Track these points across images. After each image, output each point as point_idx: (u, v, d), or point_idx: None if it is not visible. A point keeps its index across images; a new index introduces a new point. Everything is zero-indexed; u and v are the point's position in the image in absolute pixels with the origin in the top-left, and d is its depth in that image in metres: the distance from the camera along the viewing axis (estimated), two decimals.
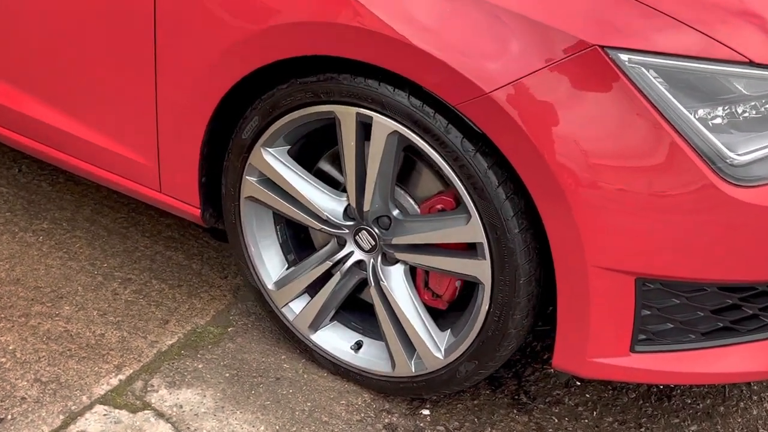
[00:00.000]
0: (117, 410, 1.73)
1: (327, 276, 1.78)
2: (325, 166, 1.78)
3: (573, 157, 1.37)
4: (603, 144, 1.38)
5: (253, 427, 1.73)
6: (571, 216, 1.39)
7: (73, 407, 1.72)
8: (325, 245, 1.81)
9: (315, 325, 1.83)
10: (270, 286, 1.84)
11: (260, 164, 1.70)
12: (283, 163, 1.69)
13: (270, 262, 1.85)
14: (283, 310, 1.85)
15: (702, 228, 1.41)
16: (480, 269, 1.55)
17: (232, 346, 1.92)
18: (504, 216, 1.47)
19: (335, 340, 1.84)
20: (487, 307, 1.57)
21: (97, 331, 1.91)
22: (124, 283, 2.07)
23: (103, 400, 1.75)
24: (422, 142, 1.49)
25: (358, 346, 1.82)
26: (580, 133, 1.37)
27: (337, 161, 1.75)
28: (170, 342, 1.91)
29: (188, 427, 1.70)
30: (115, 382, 1.79)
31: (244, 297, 2.09)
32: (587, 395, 1.88)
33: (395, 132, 1.52)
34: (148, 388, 1.78)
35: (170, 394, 1.78)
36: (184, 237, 2.26)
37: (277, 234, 1.86)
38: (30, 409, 1.70)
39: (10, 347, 1.84)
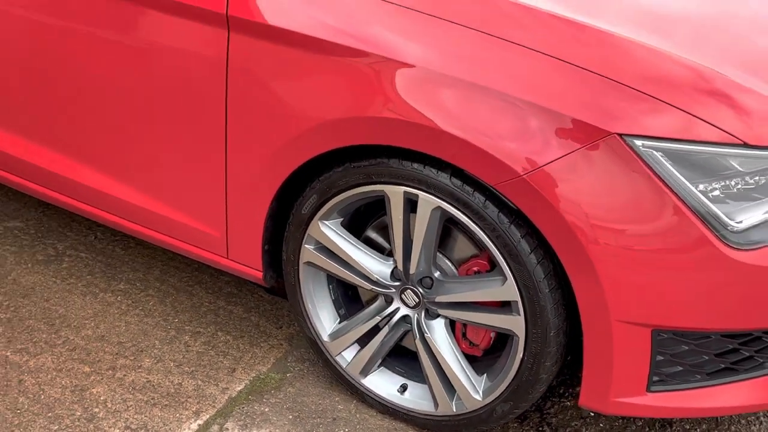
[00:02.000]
0: None
1: (375, 329, 1.78)
2: (372, 234, 1.79)
3: (598, 228, 1.39)
4: (623, 215, 1.40)
5: None
6: (596, 278, 1.41)
7: None
8: (373, 301, 1.80)
9: (365, 371, 1.82)
10: (325, 338, 1.84)
11: (317, 235, 1.72)
12: (338, 234, 1.70)
13: (324, 317, 1.85)
14: (337, 358, 1.85)
15: (708, 285, 1.43)
16: (515, 324, 1.56)
17: (292, 390, 1.91)
18: (536, 278, 1.48)
19: (383, 383, 1.83)
20: (521, 356, 1.58)
21: (175, 381, 1.89)
22: (194, 336, 2.06)
23: None
24: (463, 215, 1.51)
25: (404, 388, 1.82)
26: (603, 206, 1.39)
27: (382, 230, 1.77)
28: (239, 388, 1.89)
29: None
30: (195, 426, 1.77)
31: (297, 345, 2.08)
32: (600, 425, 1.88)
33: (438, 207, 1.54)
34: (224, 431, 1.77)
35: None
36: (242, 292, 2.25)
37: (330, 292, 1.86)
38: None
39: (102, 398, 1.82)
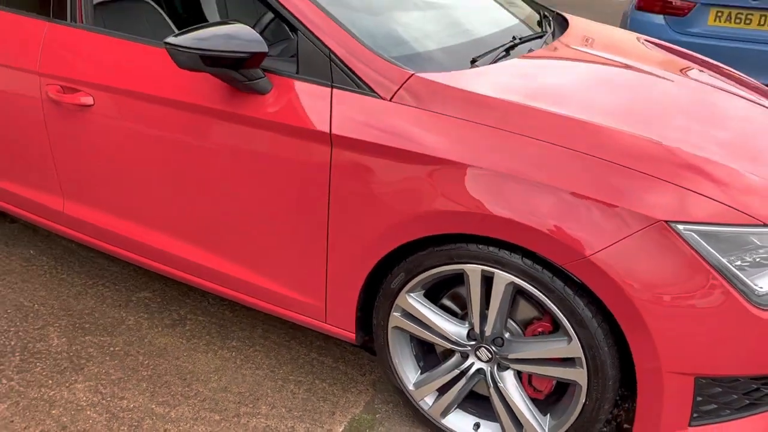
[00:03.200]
0: None
1: (453, 378, 1.66)
2: (447, 302, 1.67)
3: (651, 297, 1.32)
4: (670, 284, 1.31)
5: None
6: (650, 337, 1.34)
7: None
8: (449, 354, 1.69)
9: (444, 413, 1.71)
10: (410, 387, 1.73)
11: (404, 305, 1.63)
12: (422, 303, 1.62)
13: (408, 370, 1.74)
14: (420, 402, 1.74)
15: (740, 339, 1.35)
16: (579, 375, 1.46)
17: (383, 429, 1.79)
18: (597, 339, 1.40)
19: (459, 422, 1.72)
20: (583, 401, 1.48)
21: (289, 424, 1.77)
22: (297, 384, 1.94)
23: None
24: (533, 289, 1.44)
25: (477, 426, 1.70)
26: (653, 277, 1.31)
27: (455, 298, 1.67)
28: (340, 430, 1.77)
29: None
30: None
31: (380, 389, 1.95)
32: None
33: (512, 282, 1.45)
34: None
35: None
36: (329, 345, 2.14)
37: (411, 348, 1.75)
38: None
39: None
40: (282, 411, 1.81)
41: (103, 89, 1.85)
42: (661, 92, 1.81)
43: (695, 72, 2.09)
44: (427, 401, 1.71)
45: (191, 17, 2.95)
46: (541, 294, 1.41)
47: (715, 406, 1.41)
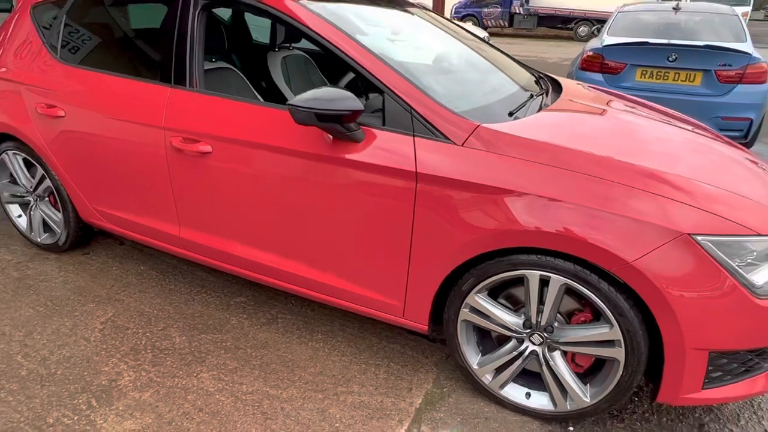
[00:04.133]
0: None
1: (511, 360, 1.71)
2: (502, 300, 1.70)
3: (678, 291, 1.39)
4: (693, 281, 1.38)
5: None
6: (677, 322, 1.42)
7: None
8: (504, 340, 1.72)
9: (503, 386, 1.77)
10: (474, 366, 1.78)
11: (473, 303, 1.68)
12: (487, 301, 1.67)
13: (472, 353, 1.79)
14: (482, 378, 1.78)
15: (743, 321, 1.42)
16: (618, 354, 1.53)
17: (451, 400, 1.82)
18: (633, 325, 1.47)
19: (514, 392, 1.77)
20: (621, 373, 1.55)
21: (378, 399, 1.80)
22: (377, 367, 1.97)
23: None
24: (583, 288, 1.50)
25: (528, 395, 1.75)
26: (680, 276, 1.38)
27: (509, 298, 1.70)
28: (419, 401, 1.80)
29: None
30: (402, 430, 1.67)
31: (443, 368, 1.98)
32: (657, 413, 1.79)
33: (564, 284, 1.51)
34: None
35: None
36: (393, 334, 2.17)
37: (474, 336, 1.79)
38: None
39: (337, 416, 1.73)
40: (370, 389, 1.84)
41: (221, 140, 1.89)
42: (646, 132, 1.88)
43: (660, 116, 2.18)
44: (488, 377, 1.76)
45: (263, 79, 2.99)
46: (589, 292, 1.47)
47: (720, 373, 1.49)
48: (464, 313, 1.70)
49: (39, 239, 2.73)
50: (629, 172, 1.47)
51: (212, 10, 2.26)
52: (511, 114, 1.78)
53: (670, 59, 4.50)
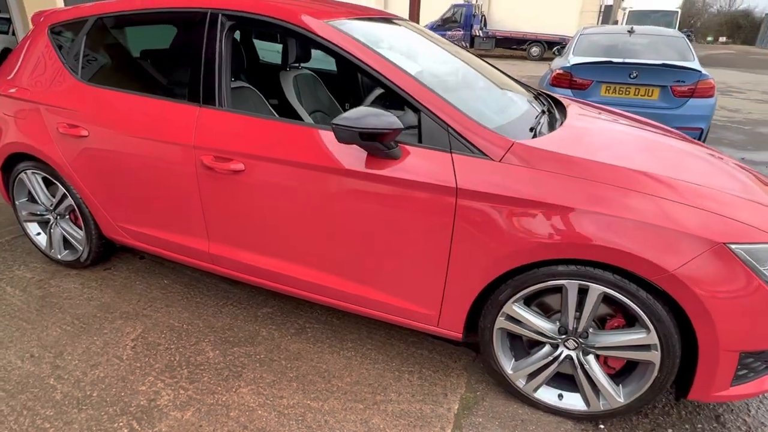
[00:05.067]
0: None
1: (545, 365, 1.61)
2: (534, 308, 1.60)
3: (715, 296, 1.31)
4: (729, 287, 1.31)
5: None
6: (714, 327, 1.34)
7: None
8: (536, 345, 1.63)
9: (536, 389, 1.66)
10: (509, 371, 1.67)
11: (510, 311, 1.57)
12: (524, 310, 1.56)
13: (506, 359, 1.68)
14: (516, 382, 1.67)
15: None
16: (654, 357, 1.45)
17: (486, 404, 1.70)
18: (670, 330, 1.38)
19: (547, 394, 1.67)
20: (656, 375, 1.46)
21: (416, 407, 1.67)
22: (411, 374, 1.83)
23: None
24: (621, 296, 1.40)
25: (560, 396, 1.65)
26: (717, 282, 1.30)
27: (540, 305, 1.59)
28: (456, 407, 1.68)
29: None
30: None
31: (472, 371, 1.86)
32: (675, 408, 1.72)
33: (602, 292, 1.41)
34: None
35: None
36: (419, 339, 2.04)
37: (507, 342, 1.68)
38: None
39: (381, 426, 1.58)
40: (407, 396, 1.70)
41: (254, 158, 1.72)
42: (659, 145, 1.82)
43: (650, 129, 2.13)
44: (521, 381, 1.66)
45: (274, 97, 2.81)
46: (627, 300, 1.38)
47: (746, 371, 1.42)
48: (500, 321, 1.58)
49: (59, 256, 2.48)
50: (662, 185, 1.39)
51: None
52: (531, 130, 1.69)
53: (631, 76, 4.53)
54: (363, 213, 1.62)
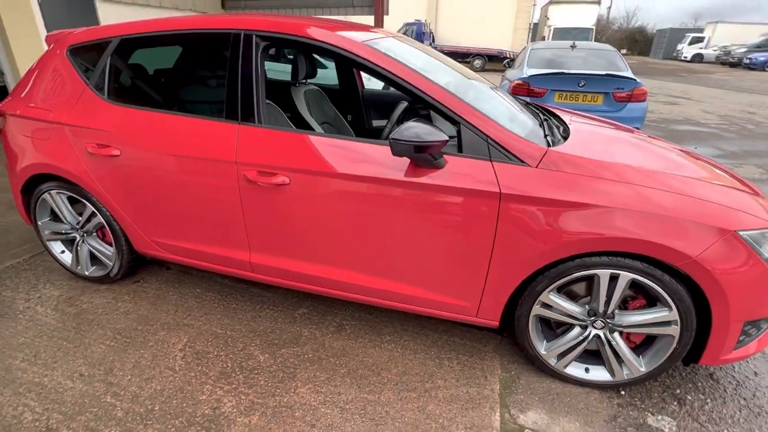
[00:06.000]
0: None
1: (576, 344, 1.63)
2: (563, 293, 1.60)
3: (728, 276, 1.36)
4: (739, 267, 1.36)
5: (568, 415, 1.51)
6: (727, 303, 1.40)
7: None
8: (565, 326, 1.65)
9: (566, 365, 1.68)
10: (543, 352, 1.68)
11: (546, 300, 1.58)
12: (558, 297, 1.57)
13: (539, 341, 1.68)
14: (548, 361, 1.68)
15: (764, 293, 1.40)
16: (674, 331, 1.49)
17: (522, 382, 1.70)
18: (689, 307, 1.42)
19: (575, 369, 1.69)
20: (675, 346, 1.51)
21: (464, 390, 1.64)
22: (450, 360, 1.80)
23: (500, 428, 1.48)
24: (648, 281, 1.43)
25: (587, 370, 1.67)
26: (730, 264, 1.35)
27: (567, 292, 1.59)
28: (497, 387, 1.66)
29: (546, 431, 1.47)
30: (497, 416, 1.53)
31: (502, 353, 1.85)
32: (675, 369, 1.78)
33: (631, 279, 1.43)
34: (512, 416, 1.53)
35: (524, 415, 1.54)
36: (448, 327, 2.00)
37: (539, 325, 1.67)
38: None
39: (436, 411, 1.55)
40: (452, 381, 1.67)
41: (299, 171, 1.62)
42: (655, 147, 1.84)
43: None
44: (553, 360, 1.67)
45: (289, 111, 2.68)
46: (653, 284, 1.42)
47: (744, 337, 1.49)
48: (536, 309, 1.58)
49: (87, 272, 2.24)
50: (677, 181, 1.43)
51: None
52: (545, 137, 1.69)
53: (580, 85, 4.70)
54: (408, 218, 1.56)
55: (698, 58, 26.35)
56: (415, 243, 1.60)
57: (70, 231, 2.21)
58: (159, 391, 1.60)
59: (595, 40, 18.97)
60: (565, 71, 4.80)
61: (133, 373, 1.68)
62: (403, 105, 2.11)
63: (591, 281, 1.52)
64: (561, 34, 18.70)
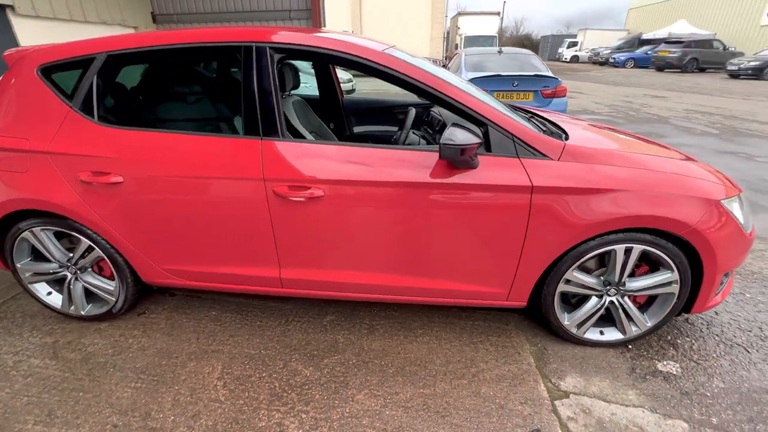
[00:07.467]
0: (558, 401, 1.49)
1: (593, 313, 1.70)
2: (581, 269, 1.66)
3: (716, 237, 1.49)
4: (722, 231, 1.50)
5: (598, 374, 1.57)
6: (716, 259, 1.53)
7: (539, 406, 1.46)
8: (582, 298, 1.70)
9: (584, 332, 1.74)
10: (566, 323, 1.73)
11: (570, 277, 1.63)
12: (580, 273, 1.62)
13: (562, 314, 1.73)
14: (570, 330, 1.74)
15: (741, 251, 1.58)
16: (675, 289, 1.61)
17: (550, 352, 1.74)
18: (686, 267, 1.54)
19: (592, 333, 1.76)
20: (675, 301, 1.62)
21: (504, 369, 1.64)
22: (483, 343, 1.79)
23: (549, 397, 1.51)
24: (655, 250, 1.53)
25: (602, 333, 1.76)
26: (718, 227, 1.48)
27: (583, 268, 1.64)
28: (532, 360, 1.69)
29: (587, 392, 1.52)
30: (542, 388, 1.56)
31: (524, 329, 1.87)
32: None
33: (642, 249, 1.52)
34: (554, 384, 1.57)
35: (563, 381, 1.58)
36: (468, 312, 1.99)
37: (560, 301, 1.72)
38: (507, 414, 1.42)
39: (491, 393, 1.53)
40: (493, 363, 1.67)
41: (334, 183, 1.49)
42: (633, 138, 1.94)
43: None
44: (574, 329, 1.73)
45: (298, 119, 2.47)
46: (659, 252, 1.52)
47: (720, 286, 1.66)
48: (561, 286, 1.63)
49: (83, 312, 1.87)
50: (670, 164, 1.54)
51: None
52: (545, 132, 1.74)
53: (514, 84, 4.96)
54: (447, 217, 1.52)
55: (575, 59, 29.24)
56: (452, 240, 1.56)
57: (58, 269, 1.83)
58: (211, 426, 1.39)
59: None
60: (501, 73, 5.05)
61: (175, 413, 1.44)
62: (413, 112, 2.05)
63: (602, 256, 1.60)
64: (471, 41, 19.68)
